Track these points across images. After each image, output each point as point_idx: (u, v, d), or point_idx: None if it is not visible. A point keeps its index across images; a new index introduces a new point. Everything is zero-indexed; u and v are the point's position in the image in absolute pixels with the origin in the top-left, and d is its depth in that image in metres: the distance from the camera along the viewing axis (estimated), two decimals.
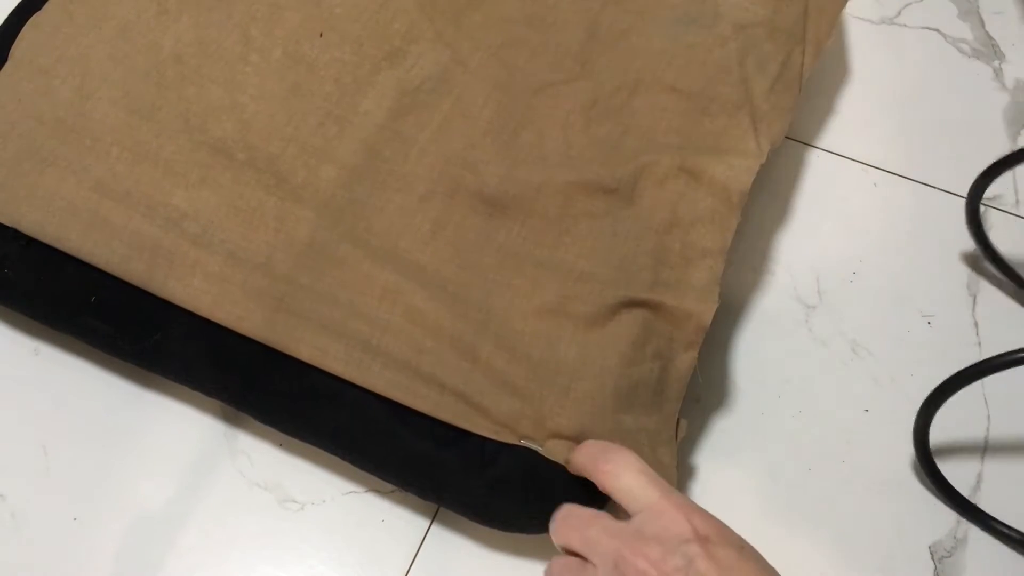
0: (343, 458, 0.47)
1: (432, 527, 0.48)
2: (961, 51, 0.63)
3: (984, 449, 0.51)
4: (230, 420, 0.50)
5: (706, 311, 0.46)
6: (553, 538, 0.40)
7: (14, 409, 0.50)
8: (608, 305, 0.46)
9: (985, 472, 0.51)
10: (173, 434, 0.50)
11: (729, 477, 0.50)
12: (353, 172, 0.49)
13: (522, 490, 0.44)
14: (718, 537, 0.36)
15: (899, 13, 0.64)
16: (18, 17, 0.53)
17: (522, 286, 0.47)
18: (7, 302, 0.50)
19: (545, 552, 0.48)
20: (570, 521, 0.39)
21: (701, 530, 0.36)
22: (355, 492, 0.49)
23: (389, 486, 0.49)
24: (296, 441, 0.48)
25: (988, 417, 0.52)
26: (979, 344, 0.54)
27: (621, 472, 0.39)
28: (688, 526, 0.36)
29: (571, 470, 0.43)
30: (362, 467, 0.47)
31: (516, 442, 0.45)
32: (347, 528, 0.48)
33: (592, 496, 0.43)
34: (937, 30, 0.63)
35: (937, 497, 0.49)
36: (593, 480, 0.41)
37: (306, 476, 0.49)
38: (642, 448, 0.44)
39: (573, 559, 0.38)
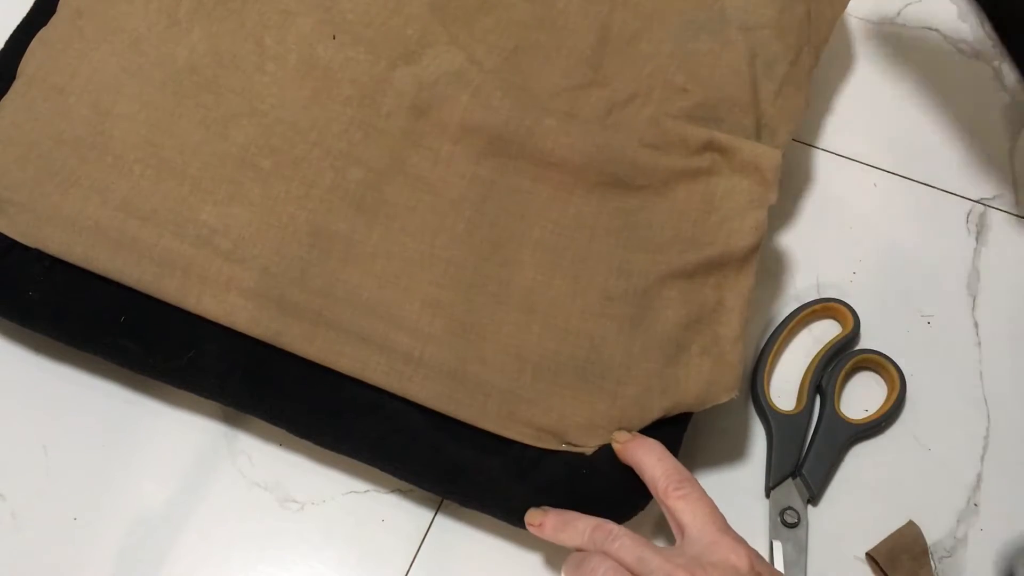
0: (383, 469, 0.47)
1: (432, 527, 0.48)
2: (961, 51, 0.63)
3: (984, 448, 0.51)
4: (230, 420, 0.50)
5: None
6: (600, 549, 0.40)
7: (14, 409, 0.50)
8: (650, 296, 0.46)
9: (985, 472, 0.51)
10: (173, 434, 0.50)
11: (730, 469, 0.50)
12: (382, 175, 0.49)
13: (568, 494, 0.44)
14: None
15: (899, 13, 0.64)
16: (24, 32, 0.52)
17: (563, 286, 0.47)
18: (32, 325, 0.48)
19: (545, 551, 0.48)
20: (623, 541, 0.40)
21: (756, 567, 0.38)
22: (355, 492, 0.49)
23: (389, 486, 0.49)
24: (296, 440, 0.48)
25: (988, 417, 0.52)
26: (979, 344, 0.54)
27: (693, 496, 0.41)
28: (747, 562, 0.38)
29: (643, 477, 0.43)
30: (403, 477, 0.47)
31: (558, 447, 0.45)
32: (347, 528, 0.48)
33: (634, 497, 0.44)
34: (937, 30, 0.63)
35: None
36: (662, 500, 0.42)
37: (306, 476, 0.49)
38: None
39: (622, 568, 0.39)
